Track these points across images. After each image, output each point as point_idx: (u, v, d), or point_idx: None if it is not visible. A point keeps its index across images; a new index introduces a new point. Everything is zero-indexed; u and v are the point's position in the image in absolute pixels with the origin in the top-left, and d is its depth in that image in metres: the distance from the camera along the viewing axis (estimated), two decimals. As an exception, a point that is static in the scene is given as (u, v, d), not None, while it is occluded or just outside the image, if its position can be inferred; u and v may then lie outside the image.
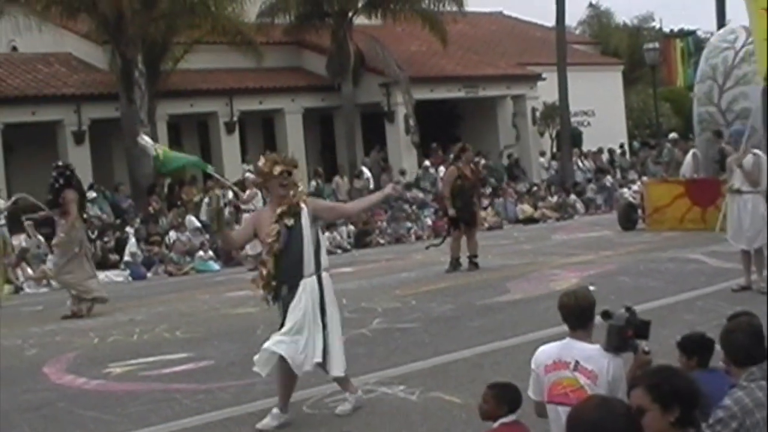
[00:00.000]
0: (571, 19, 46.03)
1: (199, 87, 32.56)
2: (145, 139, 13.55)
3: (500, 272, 18.32)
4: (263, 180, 9.05)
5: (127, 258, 23.52)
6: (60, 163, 17.65)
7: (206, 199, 27.32)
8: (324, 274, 8.80)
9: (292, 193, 8.75)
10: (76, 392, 10.74)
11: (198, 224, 25.60)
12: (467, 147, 20.40)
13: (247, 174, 28.54)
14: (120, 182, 29.48)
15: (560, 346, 6.39)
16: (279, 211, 8.70)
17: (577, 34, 53.39)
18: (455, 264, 18.96)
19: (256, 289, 8.92)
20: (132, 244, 23.78)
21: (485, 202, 29.27)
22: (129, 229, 24.85)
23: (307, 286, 8.65)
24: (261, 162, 9.06)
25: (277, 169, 8.76)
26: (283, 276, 8.69)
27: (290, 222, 8.65)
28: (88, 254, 17.15)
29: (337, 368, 8.85)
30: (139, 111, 28.49)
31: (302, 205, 8.76)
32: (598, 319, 6.31)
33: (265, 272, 8.74)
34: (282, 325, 8.72)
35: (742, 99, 22.53)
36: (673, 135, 31.99)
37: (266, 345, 8.69)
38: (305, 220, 8.69)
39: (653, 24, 57.92)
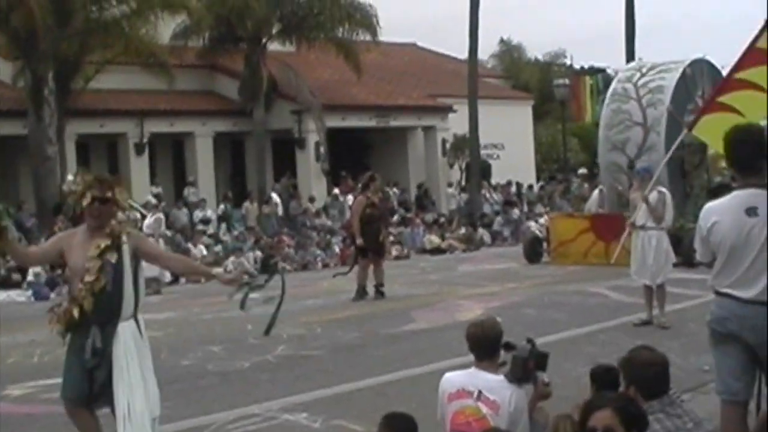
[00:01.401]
0: (483, 53, 46.48)
1: (109, 107, 32.21)
2: None
3: (406, 301, 18.40)
4: (74, 204, 7.81)
5: (30, 278, 23.16)
6: None
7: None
8: (139, 317, 7.76)
9: (113, 223, 7.64)
10: (-26, 413, 10.54)
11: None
12: (376, 176, 20.45)
13: (149, 197, 28.32)
14: (24, 200, 28.99)
15: (465, 374, 6.49)
16: (102, 245, 7.52)
17: (489, 68, 53.95)
18: (362, 292, 19.00)
19: (54, 324, 7.59)
20: (35, 264, 23.42)
21: (393, 232, 29.34)
22: (33, 249, 24.43)
23: (126, 331, 7.59)
24: (73, 182, 7.84)
25: (88, 198, 7.59)
26: (95, 317, 7.51)
27: (114, 258, 7.53)
28: None
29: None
30: (47, 129, 28.15)
31: (124, 238, 7.63)
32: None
33: (77, 312, 7.48)
34: (71, 367, 7.66)
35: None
36: (582, 170, 32.55)
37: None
38: (126, 256, 7.59)
39: (564, 60, 58.83)
